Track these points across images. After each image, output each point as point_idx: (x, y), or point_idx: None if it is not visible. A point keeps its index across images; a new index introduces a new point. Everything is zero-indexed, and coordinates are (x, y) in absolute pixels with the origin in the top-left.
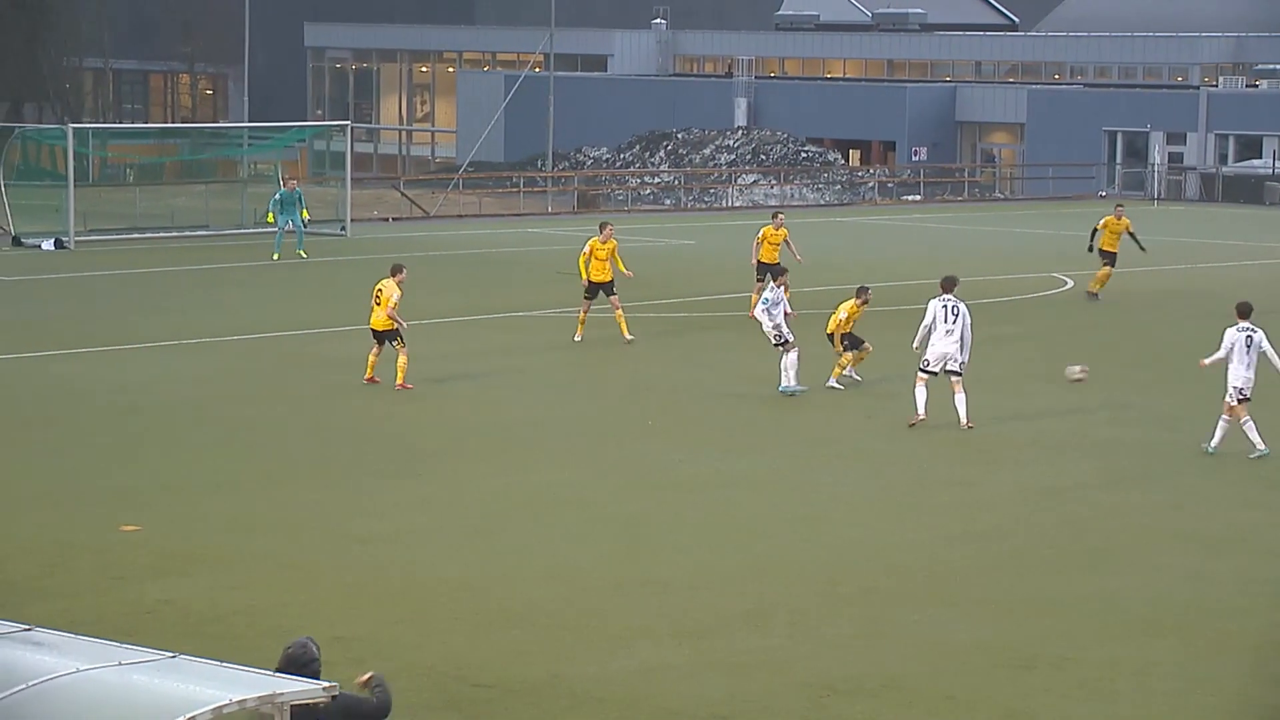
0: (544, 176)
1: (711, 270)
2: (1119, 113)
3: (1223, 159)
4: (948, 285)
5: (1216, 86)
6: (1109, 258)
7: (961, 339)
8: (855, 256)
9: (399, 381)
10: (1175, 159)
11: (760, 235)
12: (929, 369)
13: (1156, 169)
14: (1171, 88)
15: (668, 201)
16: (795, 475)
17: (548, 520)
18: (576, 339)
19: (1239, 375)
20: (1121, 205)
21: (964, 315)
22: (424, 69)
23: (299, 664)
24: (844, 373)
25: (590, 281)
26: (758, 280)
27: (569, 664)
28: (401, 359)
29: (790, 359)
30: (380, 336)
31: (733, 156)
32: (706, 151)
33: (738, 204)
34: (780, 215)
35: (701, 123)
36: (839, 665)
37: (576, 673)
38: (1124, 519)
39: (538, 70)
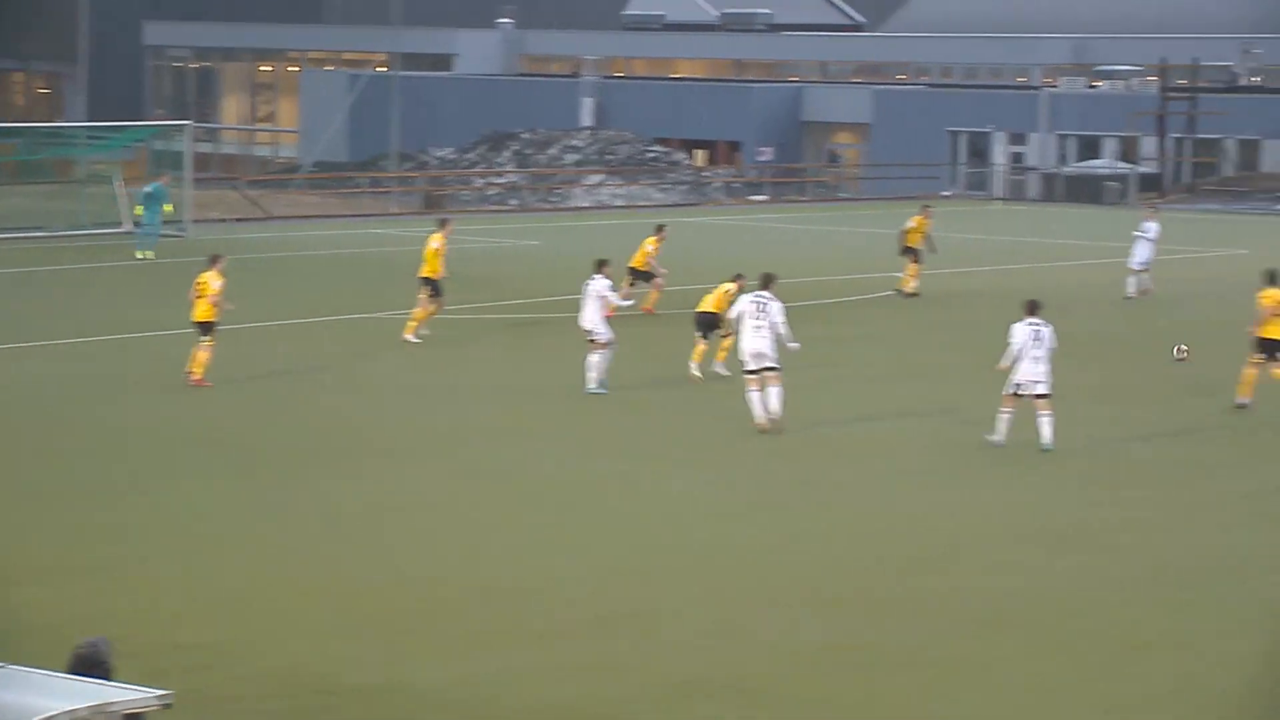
0: (388, 177)
1: (558, 271)
2: (962, 113)
3: (1063, 159)
4: (765, 282)
5: (1057, 87)
6: (915, 254)
7: (772, 335)
8: (701, 257)
9: (196, 376)
10: (1017, 159)
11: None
12: (748, 369)
13: (998, 169)
14: (1013, 88)
15: (513, 202)
16: (643, 477)
17: (395, 525)
18: (412, 337)
19: (1026, 370)
20: (929, 206)
21: (773, 312)
22: (267, 68)
23: (89, 664)
24: (716, 363)
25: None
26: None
27: (415, 669)
28: (204, 354)
29: (595, 359)
30: (205, 328)
31: (579, 156)
32: (552, 151)
33: (584, 204)
34: (664, 228)
35: (548, 122)
36: (687, 667)
37: (422, 678)
38: (967, 517)
39: (382, 70)
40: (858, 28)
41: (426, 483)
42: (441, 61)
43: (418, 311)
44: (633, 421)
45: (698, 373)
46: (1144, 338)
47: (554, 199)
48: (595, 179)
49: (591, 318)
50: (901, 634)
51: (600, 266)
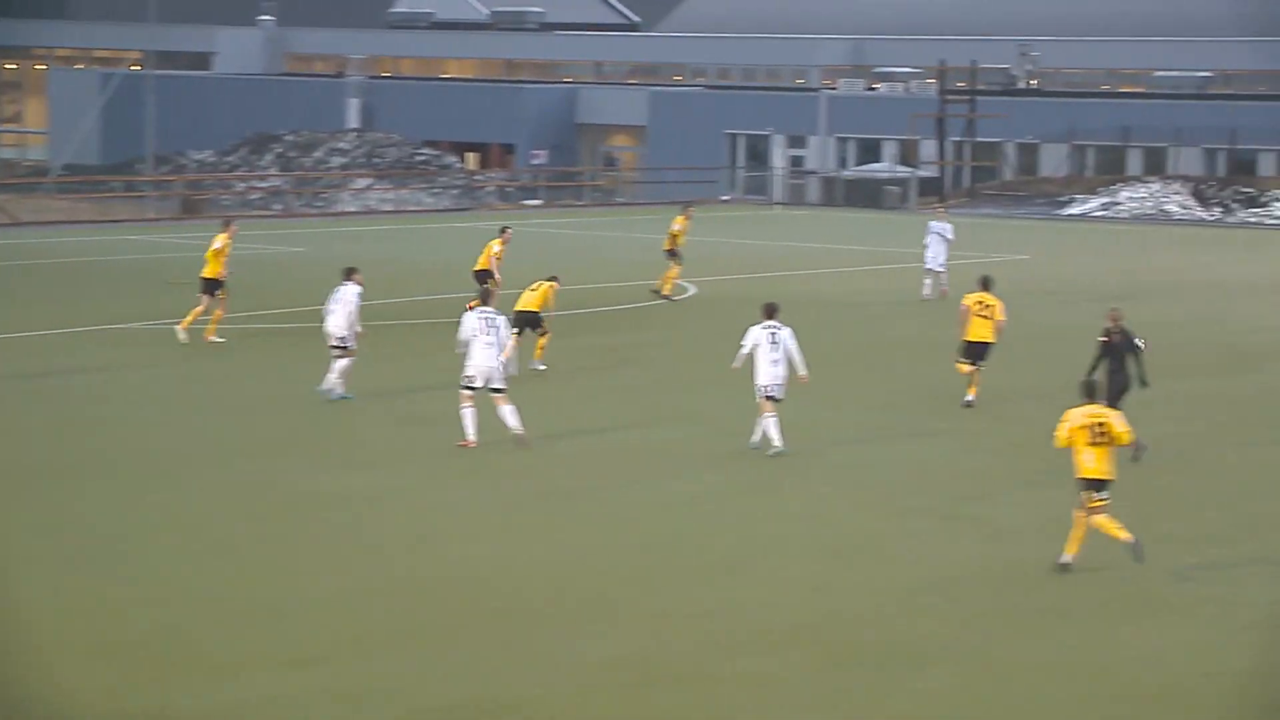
0: (144, 180)
1: (325, 278)
2: (740, 115)
3: (843, 162)
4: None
5: (836, 89)
6: (677, 256)
7: (500, 350)
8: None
9: None
10: (796, 162)
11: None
12: (472, 385)
13: (778, 172)
14: (792, 90)
15: (277, 206)
16: (414, 491)
17: (155, 544)
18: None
19: (765, 373)
20: (692, 206)
21: (500, 326)
22: (11, 66)
23: None
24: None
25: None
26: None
27: (175, 695)
28: None
29: (342, 364)
30: None
31: (345, 159)
32: (318, 154)
33: (351, 209)
34: (508, 230)
35: (312, 124)
36: (460, 689)
37: (182, 704)
38: (751, 529)
39: (136, 69)
40: (633, 27)
41: (189, 499)
42: (200, 60)
43: (216, 312)
44: (402, 432)
45: (514, 370)
46: (926, 344)
47: (319, 204)
48: (362, 183)
49: (339, 324)
50: (682, 649)
51: (349, 274)
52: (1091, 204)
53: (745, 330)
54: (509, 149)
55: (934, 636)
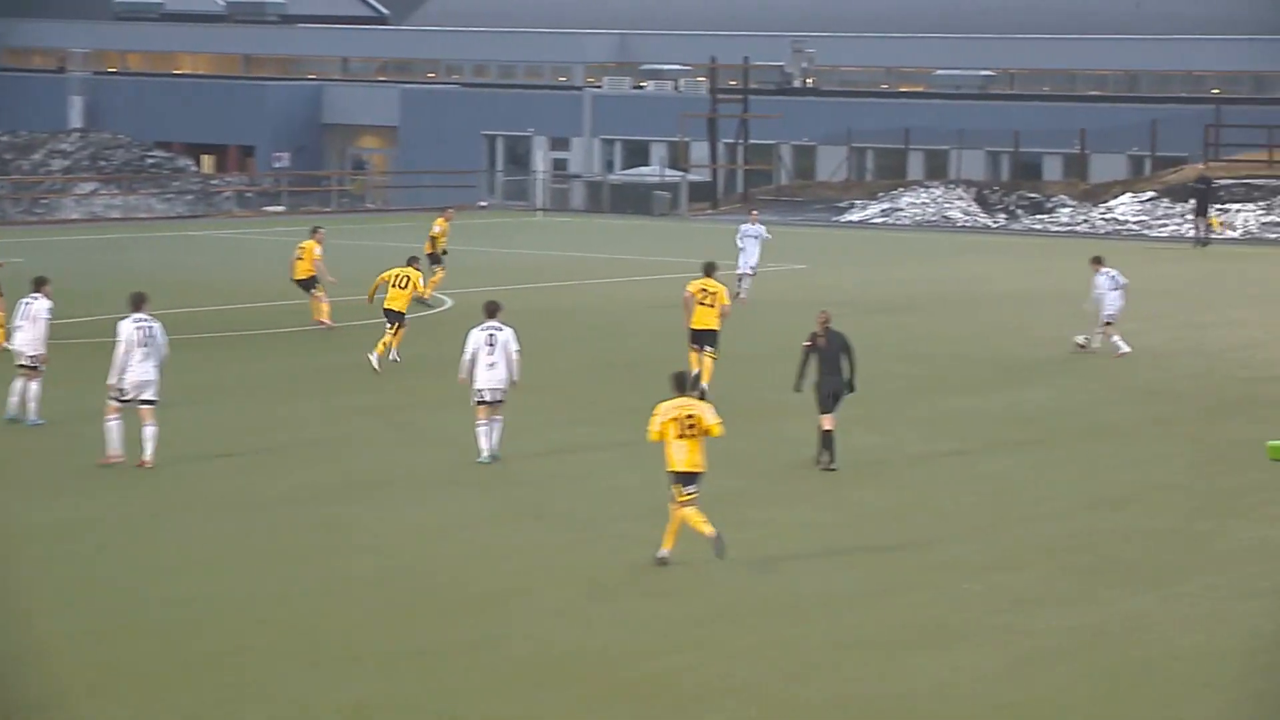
0: None
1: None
2: (499, 115)
3: (609, 166)
4: (136, 303)
5: (601, 88)
6: (439, 261)
7: (156, 362)
8: (212, 275)
9: None
10: (559, 166)
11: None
12: (123, 398)
13: (540, 176)
14: (554, 88)
15: None
16: (134, 522)
17: None
18: None
19: (481, 377)
20: (451, 209)
21: (157, 334)
22: None
23: None
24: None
25: None
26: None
27: None
28: None
29: (34, 388)
30: None
31: (67, 162)
32: (37, 157)
33: (74, 216)
34: (319, 230)
35: (31, 124)
36: None
37: None
38: (514, 560)
39: None
40: (382, 20)
41: None
42: None
43: None
44: (107, 463)
45: (376, 365)
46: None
47: (39, 210)
48: (87, 187)
49: (29, 342)
50: (435, 690)
51: (39, 285)
52: (871, 210)
53: (465, 335)
54: (249, 151)
55: (704, 672)
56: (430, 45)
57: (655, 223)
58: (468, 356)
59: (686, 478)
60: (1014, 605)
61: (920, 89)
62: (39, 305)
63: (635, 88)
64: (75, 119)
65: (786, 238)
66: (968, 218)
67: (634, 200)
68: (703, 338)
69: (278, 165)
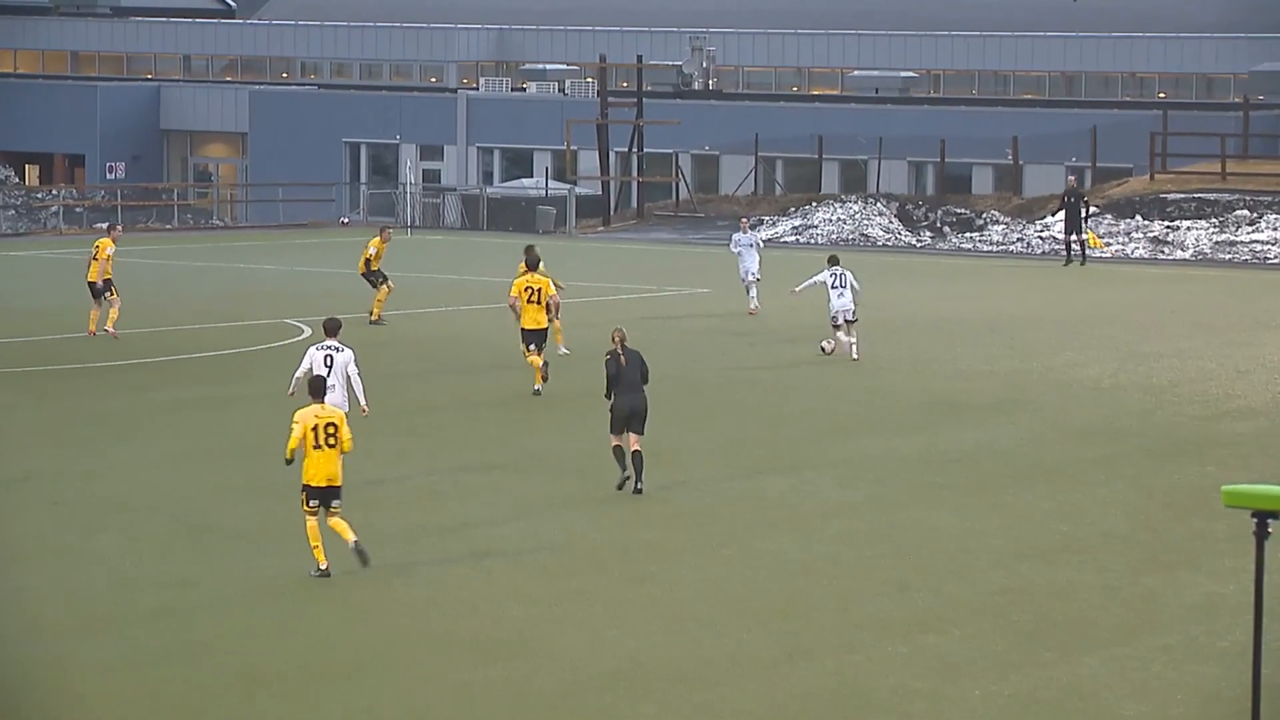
0: None
1: None
2: (361, 120)
3: (487, 178)
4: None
5: (477, 90)
6: (380, 276)
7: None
8: (33, 300)
9: None
10: (431, 177)
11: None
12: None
13: (409, 190)
14: (424, 90)
15: None
16: None
17: None
18: None
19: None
20: (389, 229)
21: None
22: None
23: None
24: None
25: None
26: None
27: None
28: None
29: None
30: None
31: None
32: None
33: None
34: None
35: None
36: None
37: None
38: (382, 620)
39: None
40: (228, 14)
41: None
42: None
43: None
44: None
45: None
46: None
47: None
48: None
49: None
50: None
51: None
52: (782, 227)
53: (303, 352)
54: (78, 161)
55: None
56: (283, 41)
57: (540, 241)
58: (300, 374)
59: (328, 493)
60: (941, 670)
61: (835, 92)
62: None
63: (515, 90)
64: None
65: (687, 258)
66: (889, 235)
67: (516, 216)
68: (537, 337)
69: (112, 177)
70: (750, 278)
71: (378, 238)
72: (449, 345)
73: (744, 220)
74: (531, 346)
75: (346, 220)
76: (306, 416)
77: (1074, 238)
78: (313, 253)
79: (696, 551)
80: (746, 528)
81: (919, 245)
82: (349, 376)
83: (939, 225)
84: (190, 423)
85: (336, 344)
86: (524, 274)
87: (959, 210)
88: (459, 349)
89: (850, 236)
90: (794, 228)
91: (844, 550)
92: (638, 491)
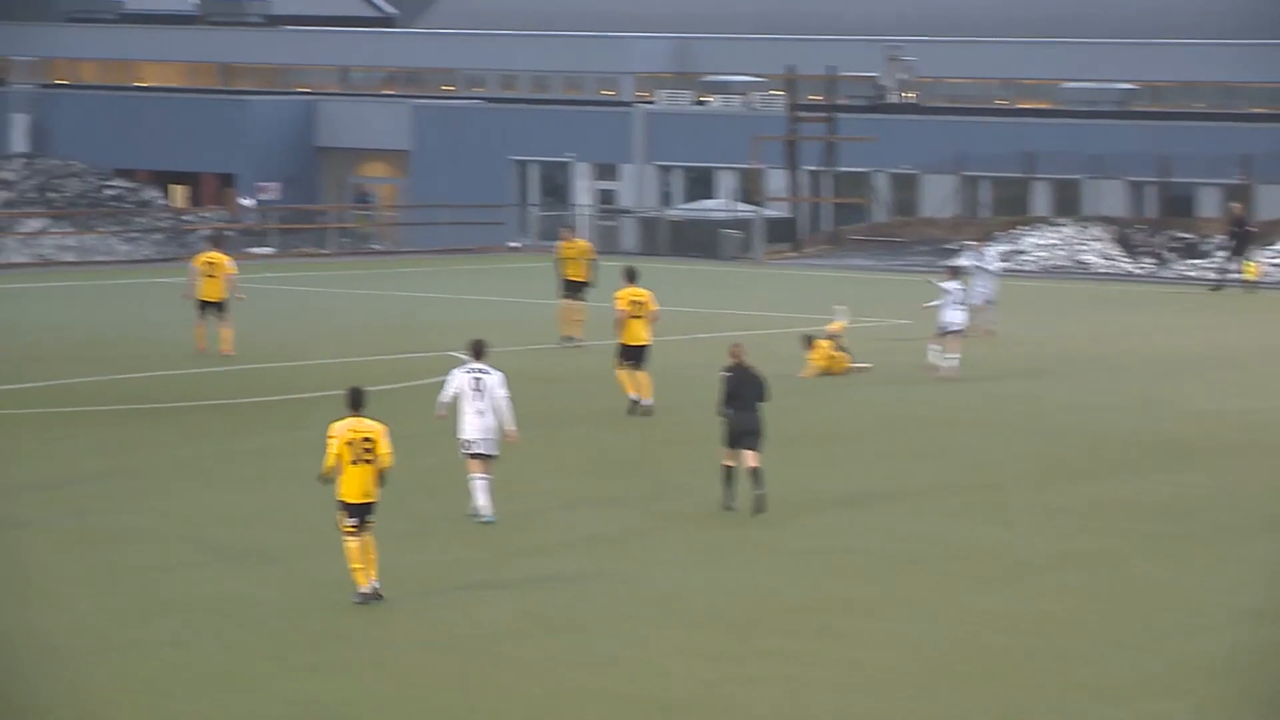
0: None
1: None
2: (531, 137)
3: (666, 199)
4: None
5: (655, 103)
6: (578, 289)
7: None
8: (181, 331)
9: None
10: (607, 198)
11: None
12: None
13: (582, 212)
14: (598, 104)
15: None
16: None
17: None
18: None
19: (469, 426)
20: (570, 230)
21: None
22: None
23: None
24: None
25: None
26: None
27: None
28: None
29: None
30: None
31: (9, 194)
32: None
33: (19, 259)
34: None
35: None
36: None
37: None
38: (558, 678)
39: None
40: (388, 22)
41: None
42: None
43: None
44: None
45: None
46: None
47: None
48: (34, 225)
49: None
50: None
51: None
52: (988, 253)
53: (448, 374)
54: (228, 181)
55: None
56: (446, 52)
57: (723, 268)
58: (446, 397)
59: (359, 509)
60: None
61: (1045, 105)
62: None
63: (697, 103)
64: (18, 142)
65: (884, 286)
66: (1107, 263)
67: (697, 240)
68: (636, 354)
69: (264, 198)
70: (987, 300)
71: (568, 239)
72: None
73: (975, 241)
74: (629, 363)
75: (516, 244)
76: (342, 430)
77: (1233, 265)
78: (479, 280)
79: (898, 605)
80: (953, 580)
81: (1139, 273)
82: (499, 400)
83: (1160, 251)
84: None
85: (485, 366)
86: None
87: (1183, 235)
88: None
89: (1063, 263)
90: (1000, 253)
91: (1061, 606)
92: (759, 509)
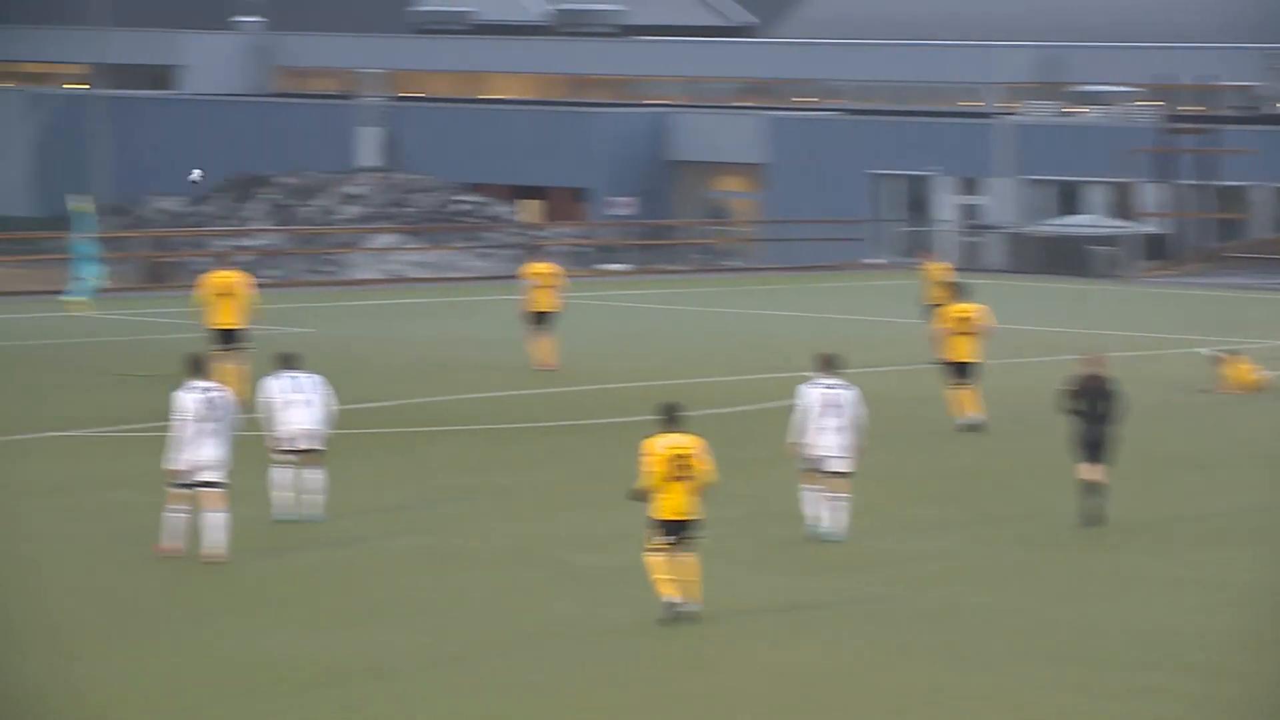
0: (89, 238)
1: (340, 368)
2: (891, 149)
3: (1034, 214)
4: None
5: (1021, 114)
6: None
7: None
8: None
9: None
10: (971, 214)
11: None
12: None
13: (945, 228)
14: (961, 116)
15: (272, 272)
16: (465, 663)
17: None
18: None
19: (826, 442)
20: (931, 254)
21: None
22: None
23: None
24: None
25: None
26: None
27: None
28: None
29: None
30: None
31: (361, 209)
32: (324, 202)
33: (370, 275)
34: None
35: (314, 161)
36: None
37: None
38: None
39: (80, 87)
40: (743, 31)
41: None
42: (159, 76)
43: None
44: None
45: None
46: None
47: (328, 268)
48: (385, 240)
49: (317, 420)
50: None
51: (289, 361)
52: None
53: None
54: (581, 195)
55: None
56: (801, 62)
57: (1096, 286)
58: (801, 418)
59: (675, 526)
60: None
61: None
62: (319, 380)
63: (1064, 114)
64: (368, 156)
65: (1272, 306)
66: None
67: (1066, 258)
68: (963, 370)
69: (618, 213)
70: None
71: (932, 263)
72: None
73: None
74: (958, 380)
75: (877, 261)
76: (659, 447)
77: None
78: (837, 298)
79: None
80: None
81: None
82: (855, 416)
83: None
84: None
85: (840, 381)
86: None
87: None
88: (1030, 406)
89: None
90: None
91: None
92: (1094, 522)
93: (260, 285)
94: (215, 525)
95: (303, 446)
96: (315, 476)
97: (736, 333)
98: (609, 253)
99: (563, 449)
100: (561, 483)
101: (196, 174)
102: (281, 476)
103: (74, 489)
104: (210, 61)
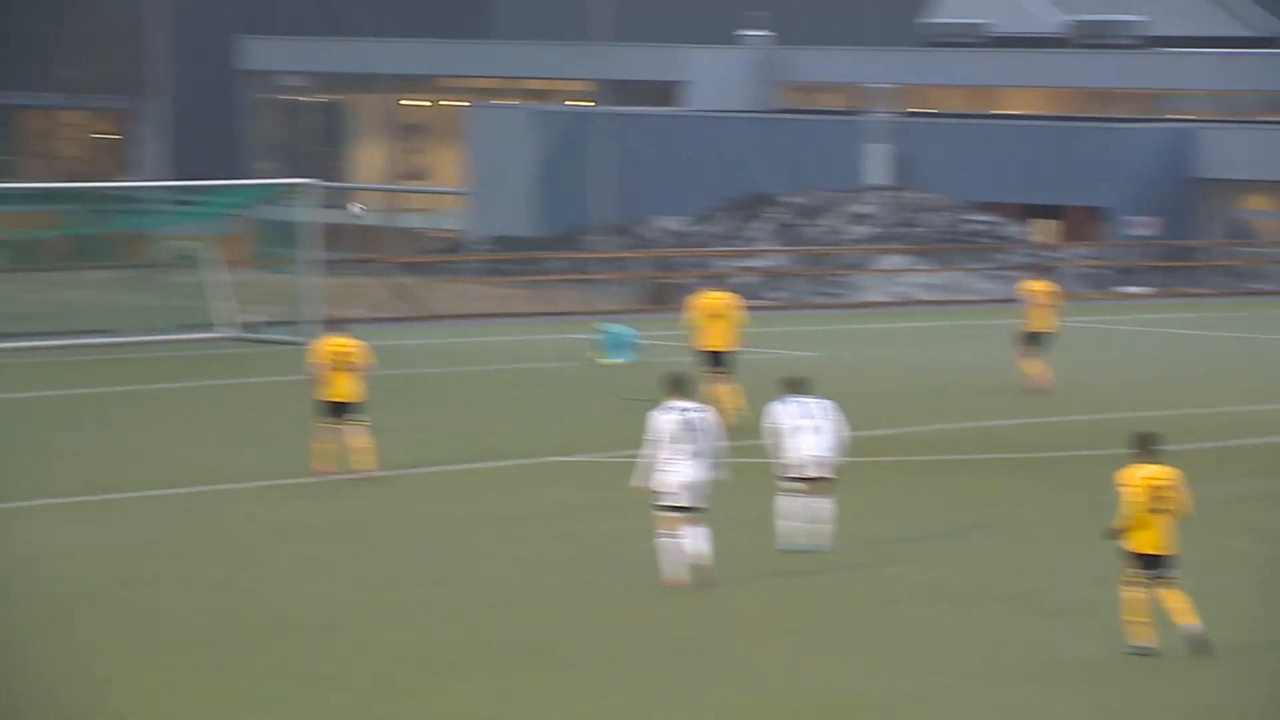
0: (595, 258)
1: (848, 394)
2: None
3: None
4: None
5: None
6: None
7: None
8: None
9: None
10: None
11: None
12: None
13: None
14: None
15: (777, 294)
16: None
17: None
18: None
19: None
20: None
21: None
22: (416, 101)
23: None
24: None
25: None
26: None
27: None
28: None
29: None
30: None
31: (870, 229)
32: (829, 222)
33: (878, 298)
34: None
35: (820, 179)
36: None
37: None
38: None
39: (584, 104)
40: (1273, 41)
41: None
42: (665, 92)
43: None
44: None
45: None
46: None
47: (834, 291)
48: (893, 261)
49: (830, 448)
50: None
51: (800, 385)
52: None
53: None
54: (1096, 214)
55: None
56: None
57: None
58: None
59: (1155, 562)
60: None
61: None
62: (830, 406)
63: None
64: (875, 173)
65: None
66: None
67: None
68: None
69: (1138, 233)
70: None
71: None
72: None
73: None
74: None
75: None
76: (1138, 478)
77: None
78: None
79: None
80: None
81: None
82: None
83: None
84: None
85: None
86: None
87: None
88: None
89: None
90: None
91: None
92: None
93: (765, 308)
94: (693, 539)
95: (811, 474)
96: (824, 506)
97: (1267, 360)
98: (1128, 274)
99: (1078, 480)
100: (1073, 516)
101: (359, 208)
102: (789, 505)
103: (582, 513)
104: (715, 77)
